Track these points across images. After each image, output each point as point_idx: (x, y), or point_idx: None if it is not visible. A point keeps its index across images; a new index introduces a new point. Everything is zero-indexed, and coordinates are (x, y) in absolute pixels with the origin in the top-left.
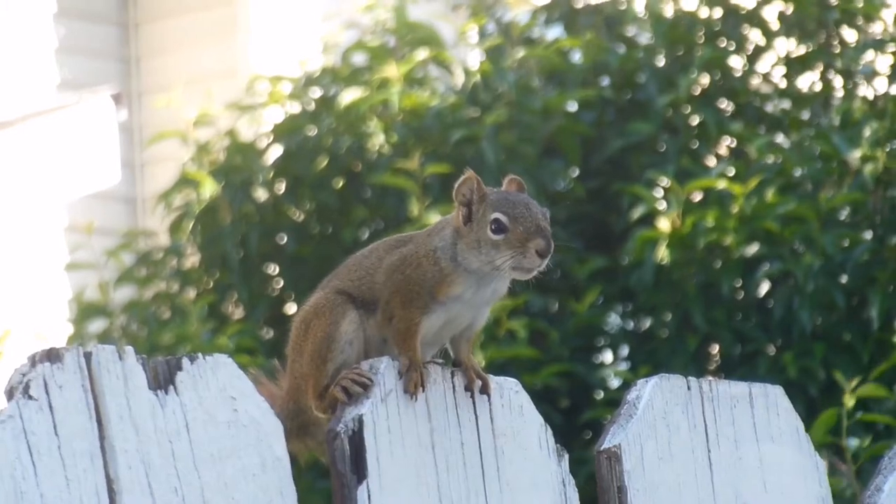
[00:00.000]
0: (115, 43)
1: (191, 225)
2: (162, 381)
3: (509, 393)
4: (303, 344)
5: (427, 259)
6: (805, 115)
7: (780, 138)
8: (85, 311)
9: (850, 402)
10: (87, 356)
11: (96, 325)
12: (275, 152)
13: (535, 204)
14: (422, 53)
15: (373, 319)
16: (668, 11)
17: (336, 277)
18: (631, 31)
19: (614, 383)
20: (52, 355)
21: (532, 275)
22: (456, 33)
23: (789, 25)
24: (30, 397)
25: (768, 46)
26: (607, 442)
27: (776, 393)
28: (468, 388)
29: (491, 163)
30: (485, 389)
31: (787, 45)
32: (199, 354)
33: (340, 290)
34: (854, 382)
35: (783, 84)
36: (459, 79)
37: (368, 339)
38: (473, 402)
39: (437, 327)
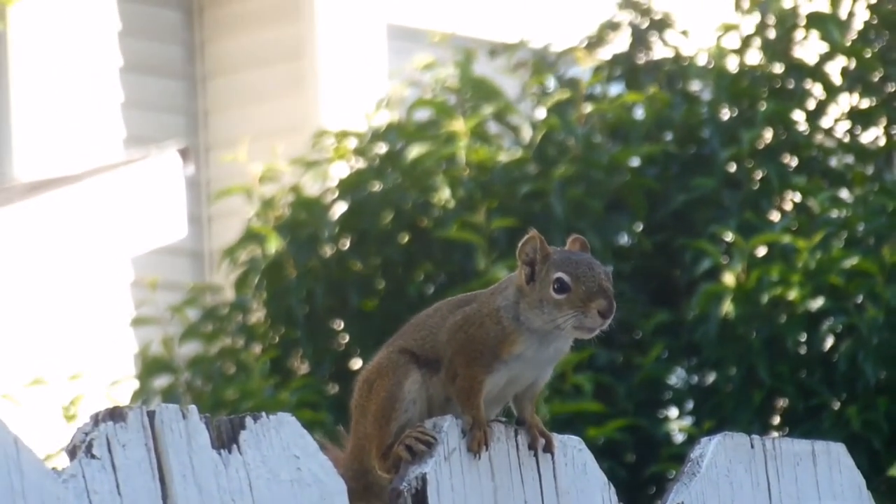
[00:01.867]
0: (183, 97)
1: (256, 280)
2: (225, 439)
3: (573, 451)
4: (366, 404)
5: (490, 318)
6: (869, 169)
7: (844, 193)
8: (150, 367)
9: None
10: (151, 415)
11: (161, 381)
12: (340, 207)
13: (598, 264)
14: (487, 108)
15: (436, 378)
16: (732, 66)
17: (400, 337)
18: (694, 86)
19: (679, 438)
20: (115, 414)
21: (594, 334)
22: (519, 89)
23: (852, 80)
24: (93, 456)
25: (831, 101)
26: (671, 500)
27: (839, 450)
28: (531, 446)
29: (559, 217)
30: (548, 448)
31: (850, 100)
32: (263, 413)
33: (404, 349)
34: None
35: (846, 139)
36: (525, 134)
37: (431, 398)
38: (537, 461)
39: (501, 386)
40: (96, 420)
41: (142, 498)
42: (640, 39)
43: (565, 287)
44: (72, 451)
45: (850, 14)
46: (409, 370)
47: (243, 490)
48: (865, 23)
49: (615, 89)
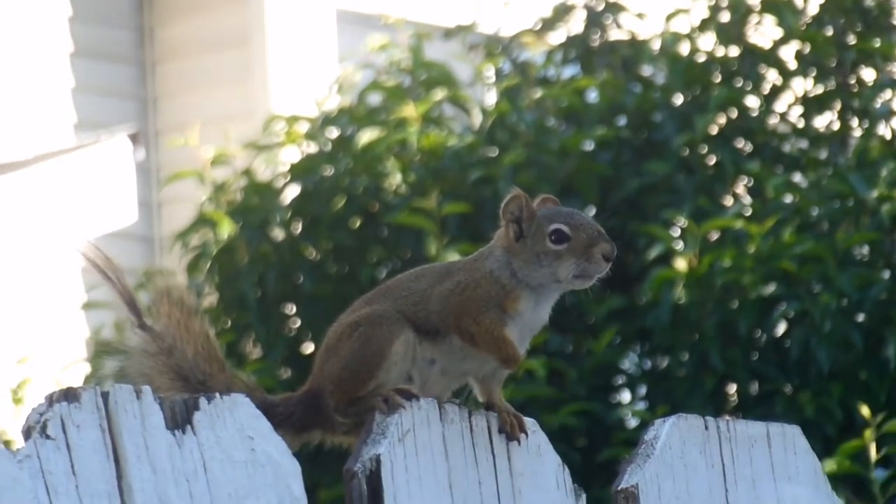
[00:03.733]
0: (133, 83)
1: (208, 265)
2: (179, 420)
3: (527, 433)
4: (343, 346)
5: (485, 280)
6: (822, 154)
7: (798, 178)
8: (101, 350)
9: (871, 435)
10: (105, 396)
11: (113, 364)
12: (292, 192)
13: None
14: (439, 93)
15: (426, 342)
16: (685, 51)
17: (388, 299)
18: (647, 70)
19: (632, 423)
20: (69, 395)
21: (593, 282)
22: (472, 73)
23: (806, 65)
24: (47, 437)
25: (785, 86)
26: (625, 482)
27: (794, 433)
28: (502, 429)
29: None
30: (522, 428)
31: (805, 85)
32: (217, 394)
33: (398, 310)
34: (879, 418)
35: (800, 124)
36: (476, 118)
37: (415, 361)
38: (491, 443)
39: (517, 337)
40: (51, 401)
41: (96, 478)
42: (594, 22)
43: (564, 237)
44: (26, 432)
45: None
46: (402, 328)
47: (197, 470)
48: (821, 6)
49: (569, 72)
